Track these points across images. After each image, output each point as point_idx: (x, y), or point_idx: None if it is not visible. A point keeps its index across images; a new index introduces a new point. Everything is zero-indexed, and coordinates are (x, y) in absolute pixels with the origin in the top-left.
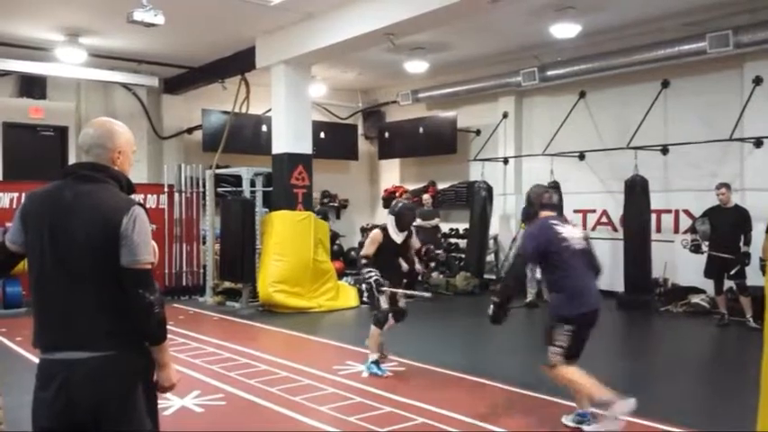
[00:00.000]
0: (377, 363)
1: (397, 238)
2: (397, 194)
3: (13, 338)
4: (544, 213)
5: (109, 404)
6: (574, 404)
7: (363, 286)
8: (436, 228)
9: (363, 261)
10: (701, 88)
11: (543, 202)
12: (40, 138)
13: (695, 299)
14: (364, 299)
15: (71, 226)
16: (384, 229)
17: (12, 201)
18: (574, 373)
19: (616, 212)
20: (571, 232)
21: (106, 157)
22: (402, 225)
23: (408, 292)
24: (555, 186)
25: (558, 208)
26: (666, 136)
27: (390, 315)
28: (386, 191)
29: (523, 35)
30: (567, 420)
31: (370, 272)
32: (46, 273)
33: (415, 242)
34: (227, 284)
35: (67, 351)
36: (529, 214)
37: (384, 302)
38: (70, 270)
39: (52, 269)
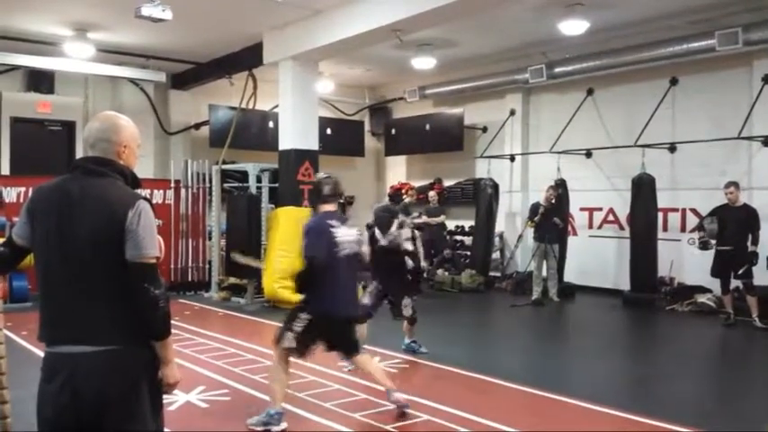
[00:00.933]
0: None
1: (382, 240)
2: (403, 191)
3: (19, 332)
4: (325, 207)
5: (113, 398)
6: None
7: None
8: (442, 225)
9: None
10: (709, 86)
11: (324, 193)
12: (48, 132)
13: (701, 298)
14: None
15: (77, 220)
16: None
17: (19, 195)
18: (280, 368)
19: (623, 210)
20: (345, 235)
21: (111, 151)
22: (381, 227)
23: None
24: (560, 186)
25: (338, 197)
26: (674, 134)
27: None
28: (392, 187)
29: (531, 32)
30: (253, 420)
31: None
32: (52, 266)
33: (403, 243)
34: (233, 280)
35: (72, 345)
36: (313, 204)
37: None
38: (76, 263)
39: (58, 263)
